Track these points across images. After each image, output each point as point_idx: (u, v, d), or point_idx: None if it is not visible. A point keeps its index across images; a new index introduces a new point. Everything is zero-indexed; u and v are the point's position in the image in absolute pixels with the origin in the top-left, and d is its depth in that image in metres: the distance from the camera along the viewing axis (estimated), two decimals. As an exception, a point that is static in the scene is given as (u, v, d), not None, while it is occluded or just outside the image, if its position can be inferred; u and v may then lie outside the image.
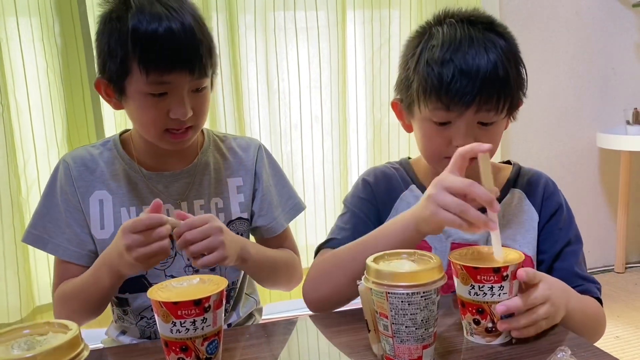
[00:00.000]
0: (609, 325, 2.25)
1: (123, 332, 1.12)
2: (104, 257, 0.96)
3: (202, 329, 0.68)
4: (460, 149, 0.80)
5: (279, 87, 2.26)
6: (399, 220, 0.89)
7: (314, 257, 1.04)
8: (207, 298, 0.68)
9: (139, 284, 1.05)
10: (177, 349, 0.69)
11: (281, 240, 1.18)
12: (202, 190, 1.10)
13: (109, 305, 1.11)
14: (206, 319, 0.68)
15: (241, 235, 1.13)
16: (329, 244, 1.03)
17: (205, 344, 0.69)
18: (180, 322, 0.67)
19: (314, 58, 2.28)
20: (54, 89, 1.99)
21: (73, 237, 1.05)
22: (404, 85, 1.00)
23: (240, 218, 1.13)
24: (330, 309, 0.96)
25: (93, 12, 1.99)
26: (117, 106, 1.04)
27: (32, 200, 2.02)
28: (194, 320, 0.67)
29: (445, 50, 0.91)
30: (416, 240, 0.87)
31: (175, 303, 0.67)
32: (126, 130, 1.14)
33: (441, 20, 0.97)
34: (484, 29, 0.93)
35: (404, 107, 1.02)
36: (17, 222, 1.96)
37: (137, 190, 1.07)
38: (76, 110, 2.03)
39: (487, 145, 0.78)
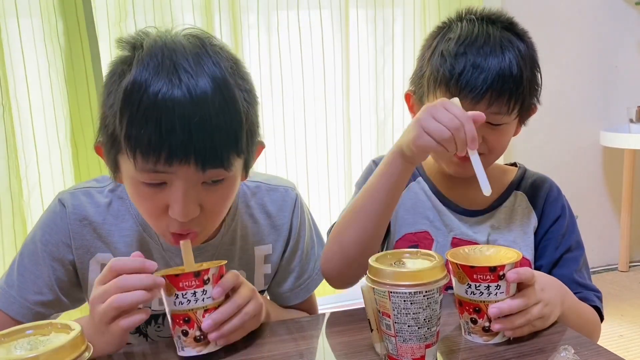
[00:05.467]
0: (613, 324, 2.26)
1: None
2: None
3: (203, 300, 0.73)
4: (470, 112, 0.80)
5: (282, 86, 2.26)
6: (389, 153, 0.89)
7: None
8: (207, 270, 0.73)
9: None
10: (181, 321, 0.73)
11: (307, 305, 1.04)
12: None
13: None
14: (206, 291, 0.73)
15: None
16: None
17: (206, 315, 0.73)
18: (182, 293, 0.72)
19: (317, 57, 2.28)
20: (56, 90, 1.97)
21: (30, 285, 0.86)
22: (417, 76, 1.01)
23: (261, 291, 0.99)
24: (348, 280, 0.94)
25: (98, 10, 1.98)
26: (120, 180, 0.81)
27: (33, 203, 2.00)
28: (195, 291, 0.72)
29: (460, 43, 0.91)
30: (403, 172, 0.86)
31: (176, 275, 0.72)
32: None
33: (461, 16, 0.97)
34: (503, 28, 0.93)
35: (416, 98, 1.02)
36: (18, 225, 1.96)
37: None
38: (81, 111, 2.00)
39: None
